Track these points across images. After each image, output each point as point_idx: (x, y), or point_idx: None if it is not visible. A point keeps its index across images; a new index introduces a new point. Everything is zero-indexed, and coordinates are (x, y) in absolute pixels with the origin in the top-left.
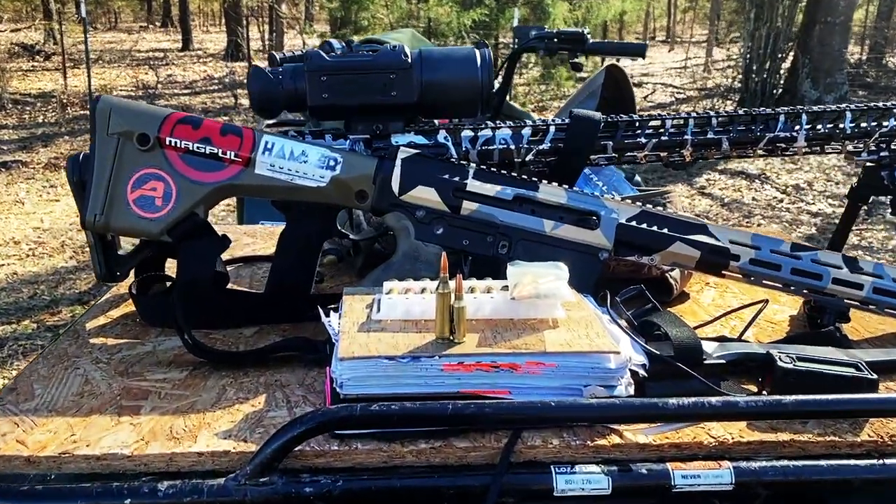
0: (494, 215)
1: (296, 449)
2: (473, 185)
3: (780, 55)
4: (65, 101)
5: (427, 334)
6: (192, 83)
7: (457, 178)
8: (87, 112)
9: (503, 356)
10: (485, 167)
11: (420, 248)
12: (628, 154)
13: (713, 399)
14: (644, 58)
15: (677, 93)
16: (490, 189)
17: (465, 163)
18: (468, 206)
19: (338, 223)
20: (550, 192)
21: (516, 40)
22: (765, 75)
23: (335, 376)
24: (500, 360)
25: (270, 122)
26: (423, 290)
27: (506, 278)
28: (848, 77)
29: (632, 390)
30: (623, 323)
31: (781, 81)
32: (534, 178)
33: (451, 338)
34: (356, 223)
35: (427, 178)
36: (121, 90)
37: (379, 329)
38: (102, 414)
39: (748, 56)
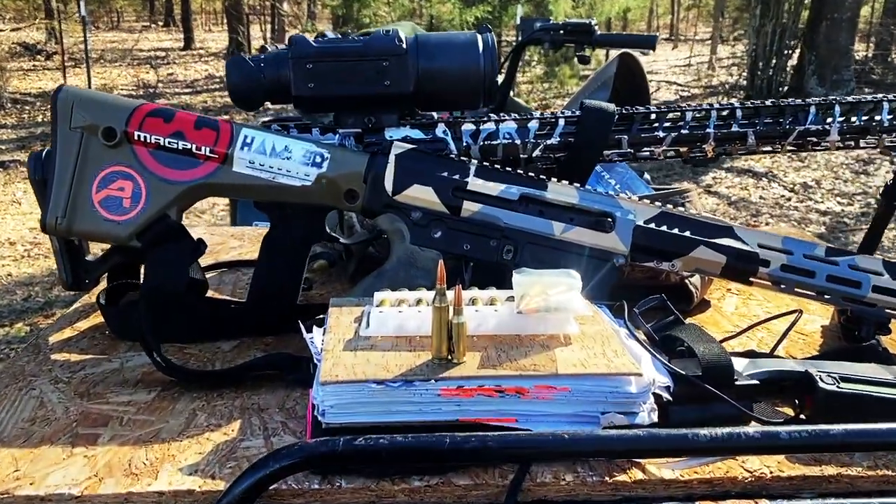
0: (498, 217)
1: (270, 488)
2: (475, 183)
3: (786, 52)
4: None
5: (422, 353)
6: (194, 82)
7: (457, 176)
8: None
9: (509, 379)
10: (488, 164)
11: (416, 253)
12: (645, 149)
13: (750, 429)
14: (654, 50)
15: (682, 90)
16: (493, 188)
17: (465, 159)
18: (469, 207)
19: (328, 225)
20: (560, 192)
21: (520, 33)
22: (770, 72)
23: (316, 403)
24: (505, 384)
25: (266, 119)
26: (418, 302)
27: (511, 286)
28: (854, 74)
29: (655, 417)
30: (642, 337)
31: (787, 79)
32: (542, 176)
33: (450, 358)
34: (348, 225)
35: (424, 175)
36: (122, 89)
37: (367, 347)
38: (54, 444)
39: (753, 53)
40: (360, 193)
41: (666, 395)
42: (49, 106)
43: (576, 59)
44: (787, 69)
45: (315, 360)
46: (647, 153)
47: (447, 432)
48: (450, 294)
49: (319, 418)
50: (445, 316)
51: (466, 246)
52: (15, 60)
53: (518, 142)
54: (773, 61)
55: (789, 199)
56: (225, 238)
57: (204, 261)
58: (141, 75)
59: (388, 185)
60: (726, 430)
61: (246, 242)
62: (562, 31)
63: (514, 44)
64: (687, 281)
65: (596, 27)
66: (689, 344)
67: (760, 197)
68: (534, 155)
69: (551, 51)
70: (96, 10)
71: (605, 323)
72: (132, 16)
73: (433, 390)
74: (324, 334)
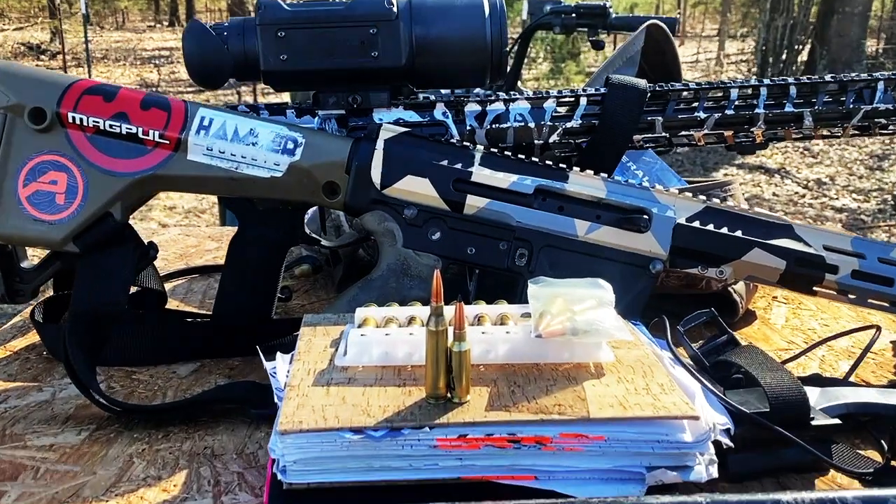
0: (509, 214)
1: None
2: (481, 173)
3: (796, 47)
4: None
5: (414, 390)
6: None
7: (459, 165)
8: None
9: (526, 425)
10: (496, 150)
11: (410, 259)
12: (683, 133)
13: (849, 495)
14: (675, 33)
15: None
16: (503, 179)
17: (469, 145)
18: (474, 203)
19: (309, 226)
20: (584, 183)
21: (529, 16)
22: (781, 67)
23: (275, 456)
24: (521, 431)
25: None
26: (410, 321)
27: (526, 300)
28: (866, 69)
29: (715, 472)
30: (688, 363)
31: (799, 74)
32: (561, 165)
33: (450, 396)
34: (335, 225)
35: (419, 164)
36: None
37: (344, 381)
38: None
39: (763, 48)
40: (341, 187)
41: (726, 441)
42: None
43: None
44: (798, 64)
45: (276, 399)
46: (685, 138)
47: (446, 496)
48: (449, 312)
49: (279, 476)
50: (443, 341)
51: (471, 250)
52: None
53: (532, 125)
54: (784, 56)
55: (803, 196)
56: (201, 239)
57: (173, 265)
58: (144, 74)
59: (376, 176)
60: (815, 495)
61: (225, 244)
62: (574, 14)
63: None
64: (731, 289)
65: (611, 9)
66: (748, 371)
67: (774, 194)
68: (551, 140)
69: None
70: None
71: (644, 347)
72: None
73: (428, 440)
74: (290, 363)
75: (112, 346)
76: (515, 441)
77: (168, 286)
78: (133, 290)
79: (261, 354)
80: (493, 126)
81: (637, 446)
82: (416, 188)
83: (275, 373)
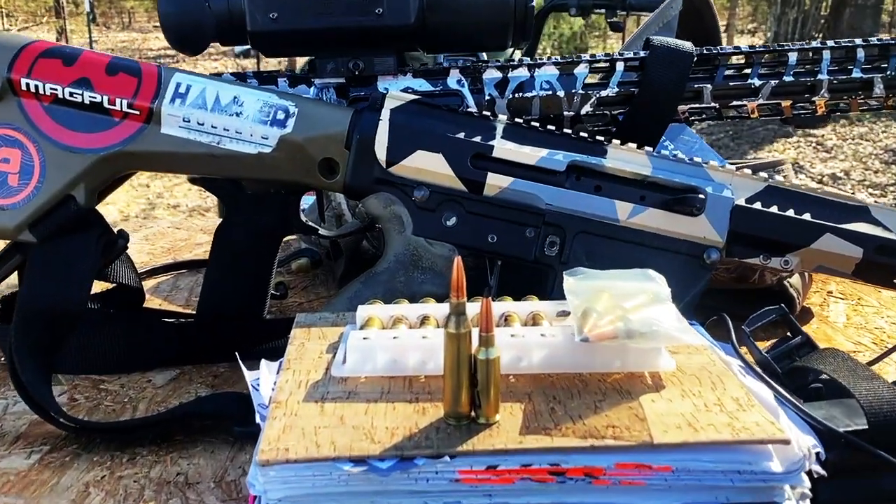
0: (537, 195)
1: None
2: (504, 147)
3: (807, 41)
4: None
5: (430, 407)
6: None
7: (478, 138)
8: None
9: (573, 453)
10: (521, 121)
11: (421, 248)
12: (734, 103)
13: None
14: None
15: None
16: (530, 154)
17: (490, 115)
18: (496, 182)
19: (307, 216)
20: (626, 158)
21: None
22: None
23: (255, 493)
24: (566, 461)
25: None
26: (423, 322)
27: (557, 297)
28: None
29: None
30: (756, 370)
31: None
32: (598, 137)
33: (474, 415)
34: (336, 214)
35: (431, 137)
36: None
37: (342, 396)
38: None
39: (774, 42)
40: (340, 164)
41: (818, 469)
42: None
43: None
44: None
45: (258, 419)
46: (736, 110)
47: None
48: (473, 310)
49: None
50: (466, 347)
51: (492, 237)
52: None
53: (561, 94)
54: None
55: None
56: (192, 232)
57: (160, 260)
58: None
59: (381, 151)
60: None
61: None
62: None
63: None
64: (786, 283)
65: None
66: (834, 380)
67: None
68: (583, 112)
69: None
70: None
71: (709, 352)
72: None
73: (448, 473)
74: (278, 373)
75: (76, 352)
76: (559, 473)
77: (151, 283)
78: (107, 287)
79: (240, 362)
80: (516, 95)
81: (713, 478)
82: (428, 165)
83: (258, 385)
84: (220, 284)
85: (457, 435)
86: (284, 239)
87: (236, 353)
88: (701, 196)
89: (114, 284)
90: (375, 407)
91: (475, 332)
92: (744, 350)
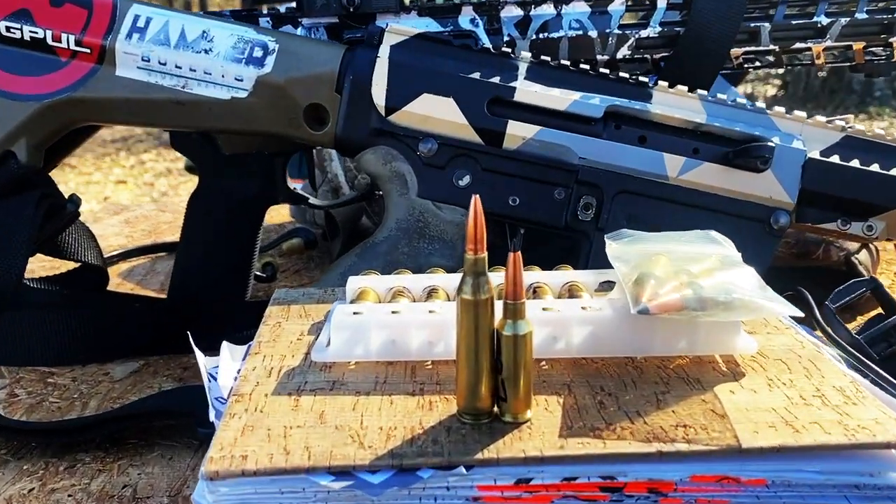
0: (569, 148)
1: None
2: (528, 90)
3: None
4: None
5: (439, 401)
6: None
7: (497, 79)
8: None
9: (632, 462)
10: (549, 60)
11: (428, 214)
12: (798, 46)
13: None
14: None
15: None
16: (560, 98)
17: (510, 52)
18: (518, 132)
19: (292, 181)
20: (675, 103)
21: None
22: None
23: None
24: (624, 473)
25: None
26: (430, 295)
27: (594, 267)
28: None
29: None
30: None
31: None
32: (641, 78)
33: (498, 411)
34: (333, 185)
35: (440, 78)
36: None
37: (324, 387)
38: None
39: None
40: (330, 112)
41: None
42: None
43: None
44: None
45: (213, 417)
46: (799, 54)
47: None
48: (496, 277)
49: None
50: (487, 319)
51: (513, 200)
52: None
53: (593, 34)
54: None
55: None
56: (177, 215)
57: (139, 244)
58: None
59: (379, 95)
60: None
61: None
62: None
63: None
64: (854, 258)
65: None
66: None
67: None
68: (619, 56)
69: None
70: None
71: (794, 331)
72: None
73: (463, 489)
74: (244, 359)
75: (19, 340)
76: (614, 489)
77: (125, 267)
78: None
79: (193, 345)
80: (540, 36)
81: (822, 495)
82: (436, 112)
83: (215, 374)
84: (193, 262)
85: (475, 438)
86: (280, 222)
87: (188, 334)
88: (769, 145)
89: (74, 266)
90: (367, 401)
91: (499, 303)
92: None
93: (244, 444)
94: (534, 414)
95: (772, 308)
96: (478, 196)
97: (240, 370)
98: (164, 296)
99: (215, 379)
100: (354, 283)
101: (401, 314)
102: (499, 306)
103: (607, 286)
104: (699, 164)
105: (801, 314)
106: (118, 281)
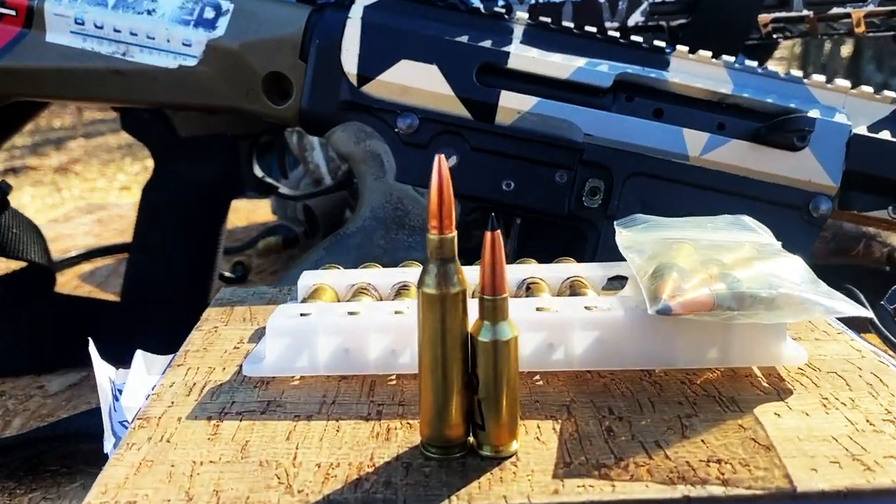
0: (572, 123)
1: None
2: (524, 55)
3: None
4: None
5: (399, 428)
6: None
7: (487, 43)
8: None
9: None
10: (549, 21)
11: (407, 200)
12: (835, 11)
13: None
14: None
15: None
16: (562, 64)
17: (504, 12)
18: (513, 104)
19: (260, 167)
20: (697, 71)
21: None
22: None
23: None
24: None
25: None
26: (400, 293)
27: (605, 258)
28: None
29: None
30: None
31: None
32: (657, 43)
33: (474, 442)
34: (314, 177)
35: (421, 42)
36: None
37: (256, 409)
38: None
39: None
40: (294, 83)
41: None
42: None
43: None
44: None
45: (108, 447)
46: (835, 22)
47: None
48: (471, 274)
49: None
50: (457, 319)
51: (508, 184)
52: None
53: None
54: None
55: None
56: None
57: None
58: None
59: (350, 62)
60: None
61: None
62: None
63: None
64: None
65: None
66: None
67: None
68: (630, 23)
69: None
70: None
71: (846, 336)
72: None
73: None
74: (164, 372)
75: None
76: None
77: (88, 267)
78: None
79: (93, 353)
80: (540, 1)
81: None
82: (417, 81)
83: (120, 391)
84: (148, 260)
85: (441, 479)
86: (263, 221)
87: (89, 339)
88: (808, 117)
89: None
90: (307, 428)
91: (474, 301)
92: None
93: (136, 485)
94: (521, 446)
95: (831, 306)
96: (442, 155)
97: (155, 387)
98: (105, 300)
99: (118, 399)
100: (308, 278)
101: (360, 316)
102: (475, 305)
103: (618, 283)
104: (725, 141)
105: (870, 314)
106: (76, 283)
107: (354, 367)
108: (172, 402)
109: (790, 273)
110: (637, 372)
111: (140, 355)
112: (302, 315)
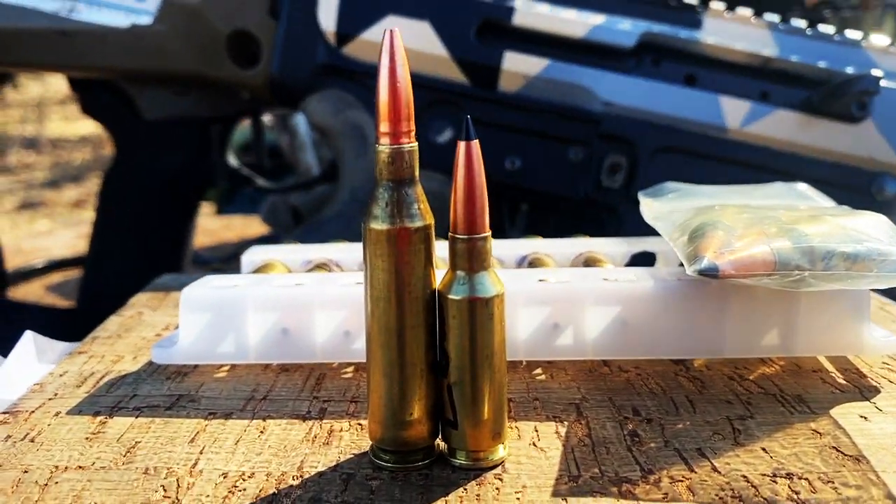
0: (588, 89)
1: None
2: (531, 11)
3: None
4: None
5: (345, 428)
6: None
7: None
8: None
9: None
10: None
11: None
12: None
13: None
14: None
15: None
16: (576, 22)
17: None
18: (519, 67)
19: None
20: (735, 31)
21: None
22: None
23: None
24: None
25: None
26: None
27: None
28: None
29: None
30: None
31: None
32: (688, 0)
33: (443, 447)
34: (305, 176)
35: None
36: None
37: (160, 403)
38: None
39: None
40: (263, 43)
41: None
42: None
43: None
44: None
45: None
46: None
47: None
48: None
49: None
50: (419, 269)
51: (513, 162)
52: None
53: None
54: None
55: None
56: None
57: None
58: None
59: (328, 19)
60: None
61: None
62: None
63: None
64: None
65: None
66: None
67: None
68: None
69: None
70: None
71: None
72: None
73: None
74: (59, 358)
75: None
76: None
77: (58, 278)
78: None
79: None
80: None
81: None
82: (406, 41)
83: None
84: (106, 259)
85: (393, 495)
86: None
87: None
88: (873, 77)
89: None
90: (223, 428)
91: (444, 248)
92: None
93: None
94: (510, 453)
95: None
96: (395, 28)
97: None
98: (62, 308)
99: None
100: (255, 253)
101: (301, 287)
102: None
103: (646, 259)
104: (770, 111)
105: None
106: (41, 293)
107: (295, 354)
108: (56, 394)
109: (875, 230)
110: (670, 364)
111: (30, 337)
112: (232, 288)
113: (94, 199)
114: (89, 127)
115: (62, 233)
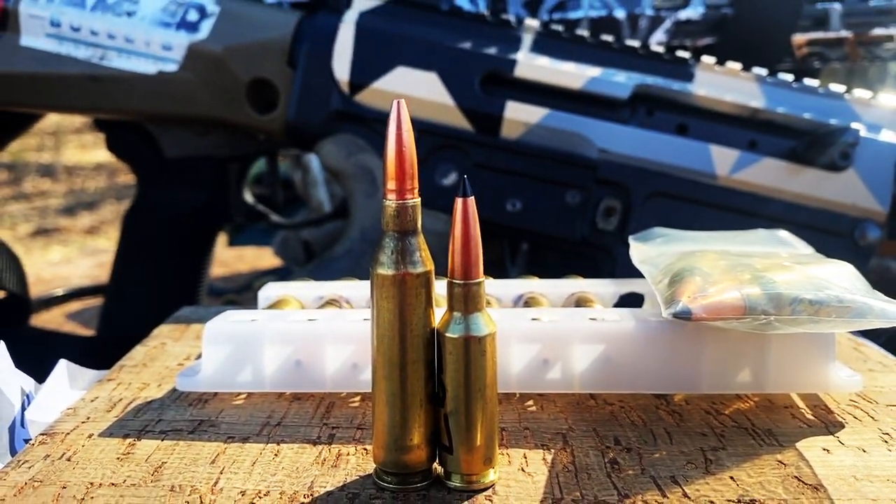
0: (586, 137)
1: None
2: (533, 64)
3: None
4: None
5: (352, 453)
6: None
7: (493, 50)
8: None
9: None
10: (560, 29)
11: None
12: (878, 33)
13: None
14: None
15: None
16: (574, 74)
17: (512, 20)
18: (520, 116)
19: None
20: (725, 84)
21: None
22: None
23: None
24: None
25: None
26: None
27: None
28: None
29: None
30: None
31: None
32: (681, 54)
33: (439, 471)
34: (317, 212)
35: (420, 48)
36: None
37: (183, 428)
38: None
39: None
40: (281, 91)
41: None
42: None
43: None
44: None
45: (10, 450)
46: (876, 46)
47: None
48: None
49: None
50: (419, 309)
51: (514, 204)
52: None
53: (621, 16)
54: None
55: None
56: None
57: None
58: None
59: (342, 69)
60: None
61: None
62: None
63: None
64: None
65: None
66: None
67: None
68: (654, 41)
69: None
70: None
71: None
72: None
73: None
74: (88, 385)
75: None
76: None
77: (77, 306)
78: None
79: (4, 355)
80: (555, 17)
81: None
82: (414, 90)
83: (29, 399)
84: (127, 291)
85: None
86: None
87: (2, 343)
88: (853, 130)
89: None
90: (240, 451)
91: (443, 289)
92: None
93: None
94: (500, 477)
95: (891, 311)
96: (402, 100)
97: (75, 402)
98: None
99: (24, 409)
100: (271, 289)
101: (317, 322)
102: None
103: (632, 300)
104: (757, 159)
105: None
106: (61, 321)
107: (307, 384)
108: (88, 418)
109: (839, 278)
110: (651, 398)
111: (63, 365)
112: (252, 322)
113: (107, 227)
114: (104, 155)
115: (80, 261)
